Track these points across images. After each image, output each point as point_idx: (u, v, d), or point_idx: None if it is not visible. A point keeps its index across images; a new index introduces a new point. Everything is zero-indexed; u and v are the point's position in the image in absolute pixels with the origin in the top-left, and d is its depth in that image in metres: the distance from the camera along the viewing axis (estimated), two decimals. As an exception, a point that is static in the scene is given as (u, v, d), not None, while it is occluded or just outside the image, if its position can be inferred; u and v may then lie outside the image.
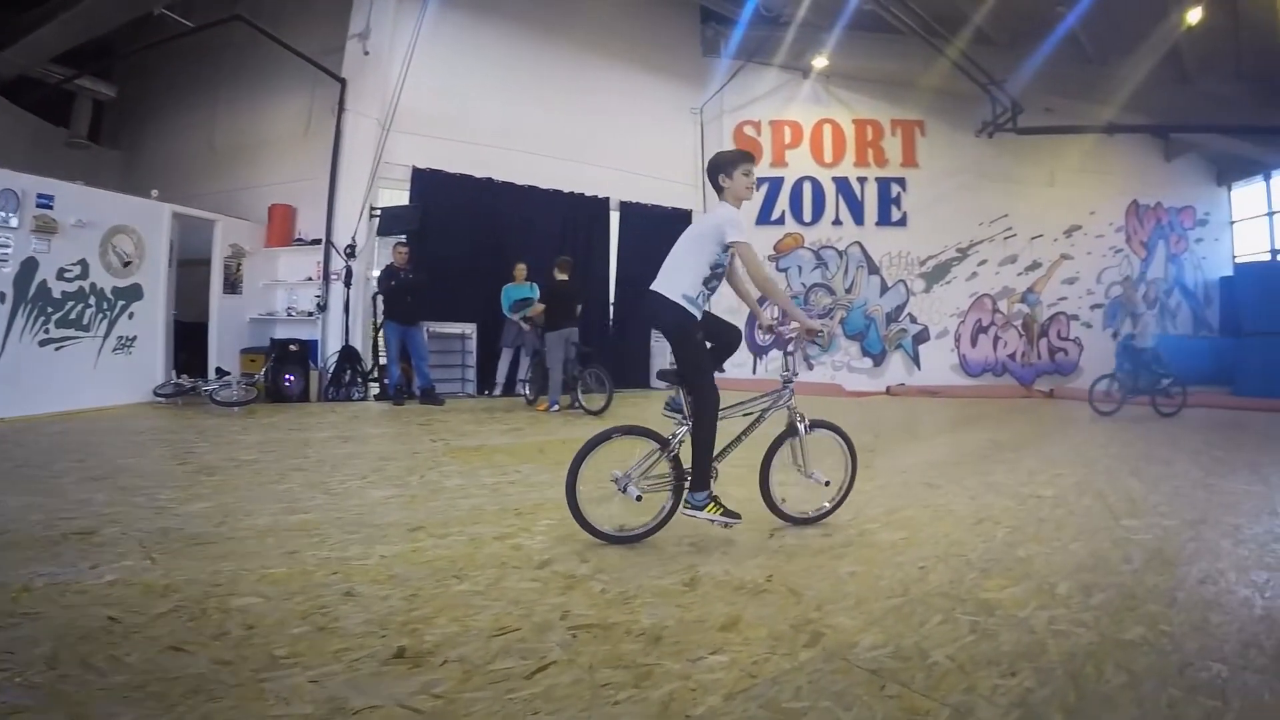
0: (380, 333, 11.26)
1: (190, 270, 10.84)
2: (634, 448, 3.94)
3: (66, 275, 8.72)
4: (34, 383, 8.34)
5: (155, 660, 2.35)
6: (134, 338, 9.49)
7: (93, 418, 8.26)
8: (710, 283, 3.97)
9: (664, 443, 3.90)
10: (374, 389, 11.34)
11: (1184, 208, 18.66)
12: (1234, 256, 19.31)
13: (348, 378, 10.93)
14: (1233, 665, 2.48)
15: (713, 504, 3.89)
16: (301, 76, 11.67)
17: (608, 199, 14.21)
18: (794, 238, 15.58)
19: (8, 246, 8.20)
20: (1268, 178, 18.35)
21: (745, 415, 4.18)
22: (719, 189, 4.11)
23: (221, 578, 3.13)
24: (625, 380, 13.03)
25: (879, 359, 15.80)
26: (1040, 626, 2.78)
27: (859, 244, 15.82)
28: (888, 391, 15.18)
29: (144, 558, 3.38)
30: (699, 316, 3.94)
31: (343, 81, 11.35)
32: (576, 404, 10.04)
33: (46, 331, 8.55)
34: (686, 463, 3.91)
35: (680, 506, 3.93)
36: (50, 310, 8.57)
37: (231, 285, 11.14)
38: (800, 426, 4.22)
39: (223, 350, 10.76)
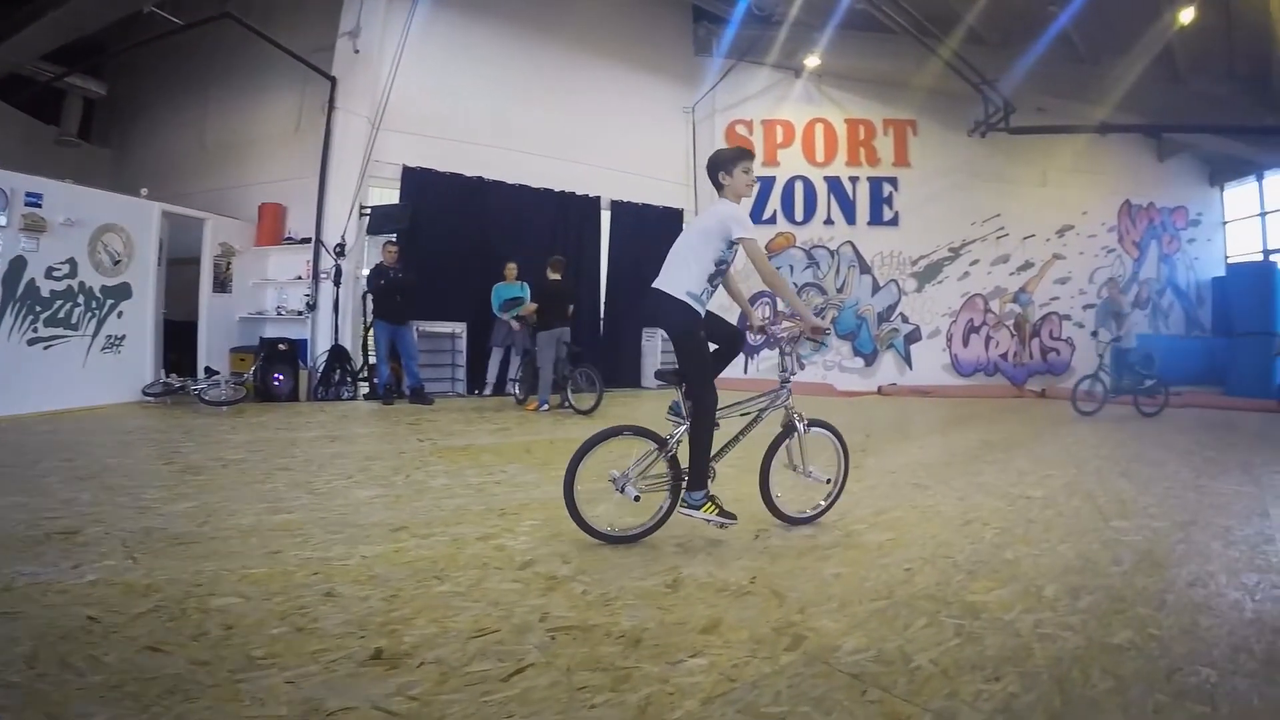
0: (370, 332, 11.23)
1: (180, 269, 10.77)
2: (632, 447, 3.93)
3: (55, 274, 8.66)
4: (22, 382, 8.29)
5: (133, 660, 2.35)
6: (123, 337, 9.44)
7: (81, 417, 8.22)
8: (714, 279, 3.98)
9: (662, 443, 3.90)
10: (363, 388, 11.29)
11: (1176, 208, 18.68)
12: (1226, 257, 19.34)
13: (337, 377, 10.89)
14: (1222, 670, 2.46)
15: (709, 504, 3.89)
16: (292, 75, 11.62)
17: (599, 198, 14.18)
18: (786, 237, 15.55)
19: (-4, 245, 8.16)
20: (1260, 178, 18.37)
21: (743, 415, 4.18)
22: (719, 186, 4.12)
23: (203, 578, 3.12)
24: (616, 380, 13.03)
25: (870, 359, 15.77)
26: (1026, 630, 2.76)
27: (851, 243, 15.79)
28: (879, 391, 15.18)
29: (126, 557, 3.37)
30: (702, 314, 3.94)
31: (333, 80, 11.29)
32: (566, 404, 10.02)
33: (35, 330, 8.49)
34: (685, 462, 3.91)
35: (677, 505, 3.93)
36: (39, 309, 8.52)
37: (221, 284, 11.09)
38: (799, 426, 4.22)
39: (212, 349, 10.72)
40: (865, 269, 15.82)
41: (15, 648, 2.40)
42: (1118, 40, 13.25)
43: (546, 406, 9.97)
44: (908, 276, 15.98)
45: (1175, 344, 16.86)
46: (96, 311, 9.14)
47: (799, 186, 15.72)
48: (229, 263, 11.17)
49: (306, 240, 11.35)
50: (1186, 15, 12.16)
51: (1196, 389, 14.01)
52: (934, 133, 15.99)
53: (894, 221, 15.89)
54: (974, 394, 15.05)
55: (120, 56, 12.99)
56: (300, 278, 11.40)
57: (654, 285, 3.97)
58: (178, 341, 10.60)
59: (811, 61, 15.13)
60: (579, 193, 13.88)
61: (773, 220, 15.50)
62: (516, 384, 11.06)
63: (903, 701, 2.21)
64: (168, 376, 9.78)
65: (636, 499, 3.81)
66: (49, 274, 8.60)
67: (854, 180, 15.85)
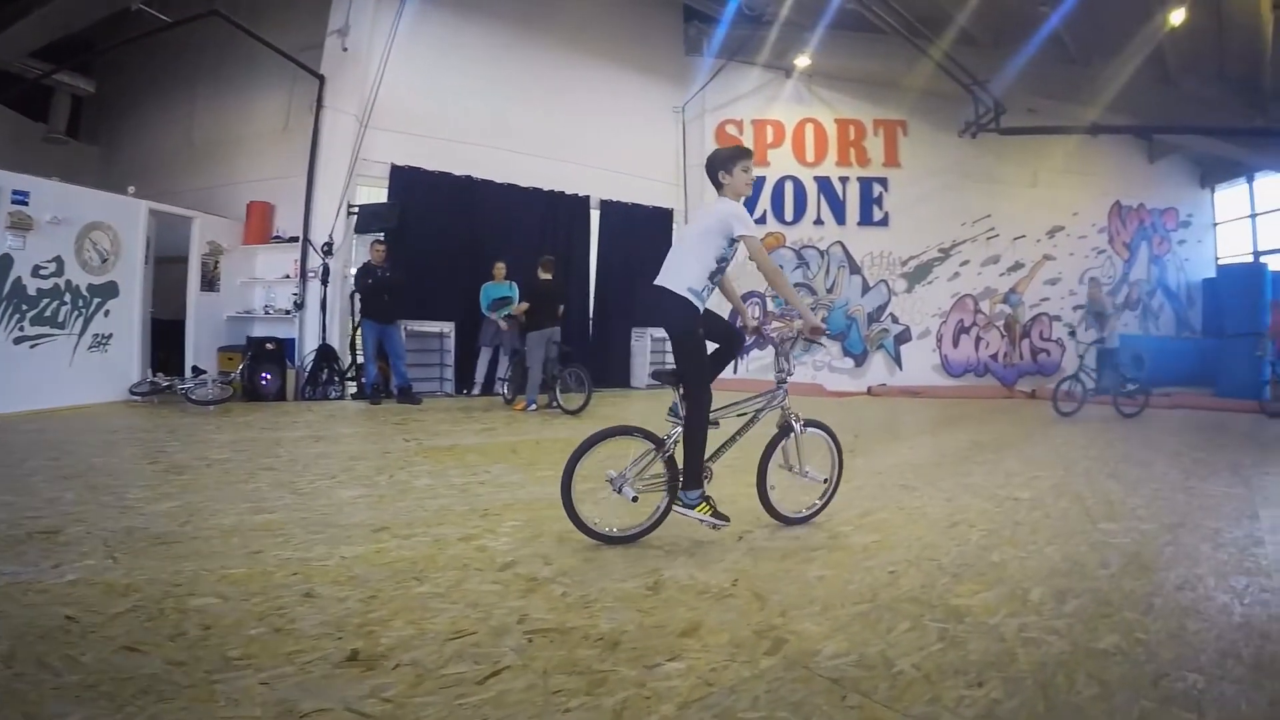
0: (357, 331, 11.19)
1: (167, 267, 10.72)
2: (629, 448, 3.92)
3: (42, 272, 8.62)
4: (9, 381, 8.25)
5: (110, 660, 2.35)
6: (110, 336, 9.38)
7: (68, 416, 8.18)
8: (715, 277, 3.99)
9: (659, 443, 3.90)
10: (351, 388, 11.25)
11: (1167, 209, 18.77)
12: (1217, 258, 19.44)
13: (324, 376, 10.85)
14: (1209, 675, 2.43)
15: (704, 504, 3.88)
16: (280, 73, 11.57)
17: (588, 197, 14.15)
18: (775, 237, 15.54)
19: (-19, 242, 8.10)
20: (1250, 180, 18.46)
21: (739, 415, 4.18)
22: (718, 185, 4.13)
23: (182, 578, 3.11)
24: (604, 380, 13.01)
25: (860, 359, 15.80)
26: (1011, 634, 2.73)
27: (841, 244, 15.80)
28: (869, 392, 15.19)
29: (107, 557, 3.36)
30: (701, 311, 3.94)
31: (321, 78, 11.24)
32: (554, 404, 9.99)
33: (21, 329, 8.45)
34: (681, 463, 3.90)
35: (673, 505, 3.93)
36: (25, 307, 8.47)
37: (209, 283, 11.02)
38: (796, 426, 4.23)
39: (200, 348, 10.65)
40: (855, 269, 15.84)
41: (-6, 647, 2.39)
42: (1109, 41, 13.28)
43: (534, 406, 9.95)
44: (898, 277, 16.01)
45: (1166, 345, 16.95)
46: (83, 310, 9.08)
47: (789, 186, 15.73)
48: (216, 261, 11.11)
49: (294, 239, 11.30)
50: (1177, 17, 12.17)
51: (1187, 390, 14.06)
52: (924, 133, 16.01)
53: (884, 222, 15.92)
54: (964, 395, 15.08)
55: (108, 54, 12.88)
56: (288, 276, 11.35)
57: (656, 282, 3.97)
58: (165, 340, 10.55)
59: (802, 61, 15.15)
60: (568, 192, 13.86)
61: (763, 220, 15.46)
62: (505, 384, 11.03)
63: (883, 707, 2.19)
64: (155, 376, 9.73)
65: (634, 499, 3.80)
66: (36, 272, 8.56)
67: (844, 180, 15.87)
